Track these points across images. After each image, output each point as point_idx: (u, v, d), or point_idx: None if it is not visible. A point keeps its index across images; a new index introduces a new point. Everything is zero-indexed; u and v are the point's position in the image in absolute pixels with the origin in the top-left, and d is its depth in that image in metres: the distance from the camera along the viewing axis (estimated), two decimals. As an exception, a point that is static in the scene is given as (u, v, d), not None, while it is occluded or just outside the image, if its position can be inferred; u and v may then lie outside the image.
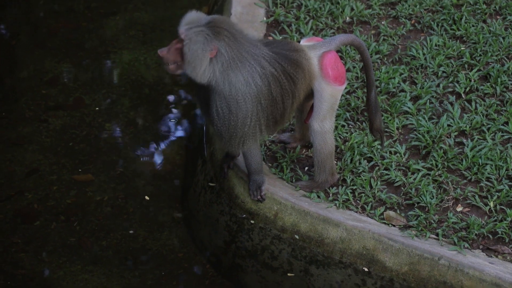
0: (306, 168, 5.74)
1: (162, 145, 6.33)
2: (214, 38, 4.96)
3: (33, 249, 5.62)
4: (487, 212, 5.47)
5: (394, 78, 6.23)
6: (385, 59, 6.44)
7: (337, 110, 5.94)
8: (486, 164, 5.67)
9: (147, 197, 5.96)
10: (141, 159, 6.24)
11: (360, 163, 5.73)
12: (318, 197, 5.56)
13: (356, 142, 5.80)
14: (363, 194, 5.59)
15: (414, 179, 5.64)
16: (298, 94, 5.28)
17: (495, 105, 6.03)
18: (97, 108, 6.57)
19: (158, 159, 6.24)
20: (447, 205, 5.54)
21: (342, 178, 5.69)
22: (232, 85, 5.05)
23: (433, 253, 5.21)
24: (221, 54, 4.99)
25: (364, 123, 5.96)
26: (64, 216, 5.82)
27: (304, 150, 5.84)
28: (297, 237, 5.45)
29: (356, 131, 5.90)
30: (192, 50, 4.96)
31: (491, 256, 5.25)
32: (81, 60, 6.96)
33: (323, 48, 5.33)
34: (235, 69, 5.03)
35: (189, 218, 5.88)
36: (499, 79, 6.18)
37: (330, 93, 5.31)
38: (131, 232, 5.74)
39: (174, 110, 6.60)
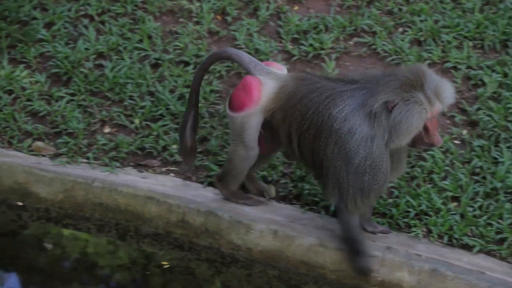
0: None
1: None
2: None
3: None
4: (134, 129, 5.60)
5: (23, 6, 6.08)
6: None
7: None
8: (127, 83, 5.77)
9: None
10: None
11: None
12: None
13: None
14: (8, 128, 5.47)
15: (59, 106, 5.61)
16: None
17: (128, 24, 6.12)
18: None
19: None
20: (94, 128, 5.58)
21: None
22: None
23: (86, 177, 5.25)
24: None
25: None
26: None
27: None
28: None
29: None
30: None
31: (143, 171, 5.40)
32: None
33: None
34: None
35: None
36: (131, -2, 6.26)
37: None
38: None
39: None
